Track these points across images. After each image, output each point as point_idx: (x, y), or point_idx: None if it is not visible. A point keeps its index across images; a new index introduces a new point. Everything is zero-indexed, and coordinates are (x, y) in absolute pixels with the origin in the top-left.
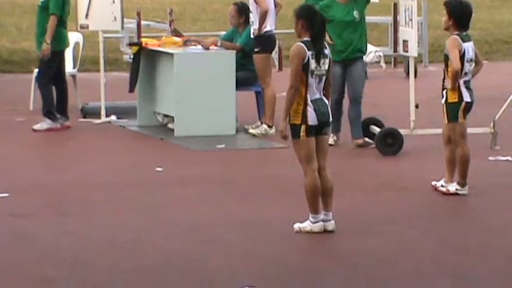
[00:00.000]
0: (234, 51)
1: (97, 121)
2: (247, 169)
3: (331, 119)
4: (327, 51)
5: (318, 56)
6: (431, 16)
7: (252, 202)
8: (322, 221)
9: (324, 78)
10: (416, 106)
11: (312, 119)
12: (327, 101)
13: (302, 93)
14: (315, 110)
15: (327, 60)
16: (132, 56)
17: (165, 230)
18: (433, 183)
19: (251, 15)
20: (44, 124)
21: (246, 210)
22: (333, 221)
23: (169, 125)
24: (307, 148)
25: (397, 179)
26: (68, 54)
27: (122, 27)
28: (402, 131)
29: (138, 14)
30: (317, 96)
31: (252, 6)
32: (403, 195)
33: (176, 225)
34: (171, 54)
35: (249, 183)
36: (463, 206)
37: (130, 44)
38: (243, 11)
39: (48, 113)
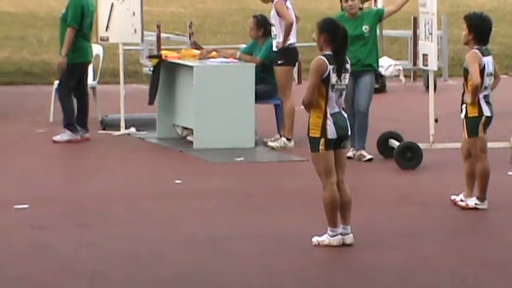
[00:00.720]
0: (254, 64)
1: (116, 133)
2: (265, 182)
3: (349, 133)
4: (348, 65)
5: (340, 70)
6: (451, 30)
7: (270, 215)
8: (341, 234)
9: (344, 92)
10: (436, 120)
11: (331, 132)
12: (346, 115)
13: (322, 106)
14: (334, 124)
15: (348, 75)
16: (151, 69)
17: (183, 242)
18: (452, 197)
19: (273, 28)
20: (64, 135)
21: (264, 223)
22: (351, 235)
23: (189, 138)
24: (326, 161)
25: (416, 193)
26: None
27: (142, 40)
28: (421, 145)
29: (158, 27)
30: (336, 110)
31: (274, 20)
32: (422, 210)
33: (194, 237)
34: (191, 67)
35: (268, 196)
36: (481, 220)
37: (150, 57)
38: (262, 24)
39: (68, 125)
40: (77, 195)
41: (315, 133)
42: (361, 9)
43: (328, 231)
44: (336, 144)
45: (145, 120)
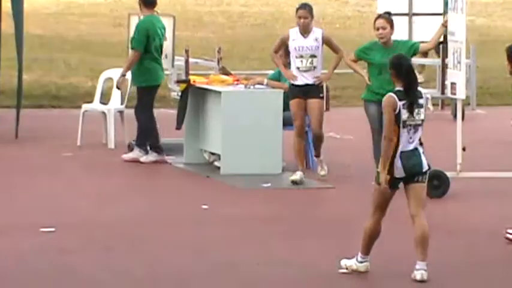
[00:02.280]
0: (282, 91)
1: (144, 158)
2: (292, 208)
3: (425, 169)
4: (421, 100)
5: (411, 105)
6: (480, 59)
7: (296, 242)
8: (415, 270)
9: (419, 128)
10: (463, 149)
11: (399, 171)
12: (421, 151)
13: (394, 143)
14: (402, 163)
15: (422, 110)
16: (179, 93)
17: (208, 268)
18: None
19: (314, 60)
20: (150, 157)
21: (289, 250)
22: (422, 271)
23: (216, 163)
24: (382, 197)
25: (443, 222)
26: (116, 90)
27: (173, 65)
28: (448, 174)
29: (187, 52)
30: (410, 147)
31: (317, 51)
32: (449, 239)
33: (220, 263)
34: (219, 92)
35: (294, 223)
36: (511, 251)
37: (179, 82)
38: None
39: (140, 145)
40: (103, 220)
41: (382, 170)
42: None
43: (358, 257)
44: (408, 179)
45: (172, 145)
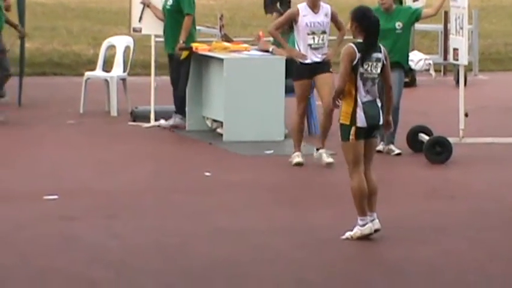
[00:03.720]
0: (284, 58)
1: (146, 125)
2: (295, 175)
3: (381, 122)
4: (380, 54)
5: (368, 58)
6: (482, 24)
7: (299, 208)
8: (372, 220)
9: (376, 81)
10: (466, 115)
11: (361, 121)
12: (379, 104)
13: (352, 94)
14: (364, 113)
15: (380, 64)
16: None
17: (212, 235)
18: None
19: (324, 36)
20: (171, 121)
21: (293, 216)
22: (377, 220)
23: (218, 130)
24: (355, 151)
25: (445, 188)
26: (119, 57)
27: None
28: (451, 140)
29: None
30: (368, 98)
31: (327, 27)
32: (451, 204)
33: (223, 230)
34: (221, 60)
35: (297, 190)
36: None
37: (181, 49)
38: None
39: (181, 111)
40: (106, 187)
41: (345, 120)
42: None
43: (359, 221)
44: (367, 134)
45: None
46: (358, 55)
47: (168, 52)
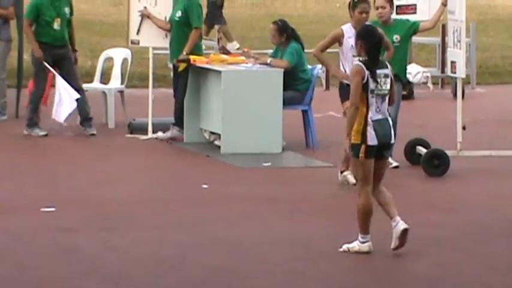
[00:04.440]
0: (282, 70)
1: (144, 137)
2: (292, 187)
3: (393, 141)
4: (387, 70)
5: (377, 75)
6: (480, 38)
7: (297, 221)
8: (393, 227)
9: (387, 98)
10: (463, 128)
11: (371, 138)
12: (391, 122)
13: (363, 112)
14: (375, 131)
15: (388, 80)
16: (175, 70)
17: (209, 246)
18: None
19: (341, 62)
20: (168, 133)
21: (290, 228)
22: (402, 221)
23: (216, 142)
24: (365, 169)
25: (443, 200)
26: (116, 69)
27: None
28: (449, 153)
29: None
30: (380, 117)
31: (345, 50)
32: (448, 217)
33: (220, 242)
34: (219, 72)
35: (294, 202)
36: (509, 228)
37: (179, 61)
38: (283, 30)
39: (178, 124)
40: (103, 199)
41: (356, 140)
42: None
43: (359, 238)
44: (378, 153)
45: None
46: (366, 72)
47: (173, 63)
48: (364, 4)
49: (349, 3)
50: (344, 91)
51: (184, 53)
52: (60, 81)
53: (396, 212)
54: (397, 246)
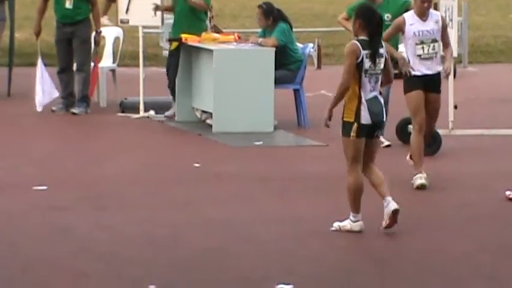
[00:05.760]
0: (274, 49)
1: (135, 116)
2: (284, 166)
3: (385, 118)
4: (382, 50)
5: (374, 55)
6: (472, 17)
7: (289, 199)
8: (385, 207)
9: (380, 77)
10: (455, 107)
11: (365, 118)
12: (382, 101)
13: (356, 91)
14: (368, 110)
15: (383, 60)
16: (168, 50)
17: (201, 225)
18: (507, 193)
19: (436, 45)
20: (171, 110)
21: (282, 207)
22: (393, 201)
23: (208, 121)
24: (356, 148)
25: (434, 179)
26: (108, 48)
27: (162, 23)
28: (440, 132)
29: None
30: (372, 95)
31: (438, 34)
32: (440, 196)
33: (212, 221)
34: (211, 51)
35: (286, 181)
36: (501, 207)
37: (170, 40)
38: (269, 12)
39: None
40: (95, 178)
41: (349, 117)
42: None
43: (351, 217)
44: (369, 133)
45: (164, 103)
46: (362, 52)
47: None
48: None
49: None
50: (407, 82)
51: None
52: (41, 70)
53: (388, 192)
54: (387, 225)
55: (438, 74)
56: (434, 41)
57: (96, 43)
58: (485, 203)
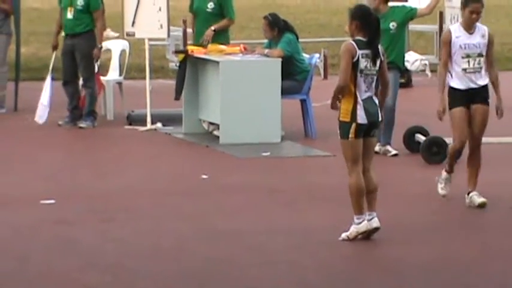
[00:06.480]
0: (280, 60)
1: (143, 128)
2: (292, 177)
3: (380, 118)
4: (380, 51)
5: (372, 56)
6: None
7: (297, 210)
8: (367, 220)
9: (374, 78)
10: None
11: (361, 117)
12: (377, 101)
13: (352, 91)
14: (364, 109)
15: (378, 60)
16: (178, 64)
17: (209, 237)
18: None
19: (482, 59)
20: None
21: (290, 218)
22: (376, 218)
23: (215, 133)
24: (355, 149)
25: None
26: (114, 61)
27: (168, 35)
28: (447, 140)
29: (184, 22)
30: (368, 95)
31: (484, 49)
32: (447, 204)
33: (220, 232)
34: (217, 62)
35: (294, 191)
36: (509, 215)
37: (177, 52)
38: (274, 24)
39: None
40: (103, 190)
41: (345, 118)
42: None
43: (355, 219)
44: (366, 132)
45: (171, 116)
46: (358, 52)
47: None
48: (476, 4)
49: (461, 1)
50: (451, 97)
51: (212, 28)
52: (46, 84)
53: (375, 205)
54: (352, 238)
55: (482, 87)
56: (480, 55)
57: (95, 58)
58: (492, 212)
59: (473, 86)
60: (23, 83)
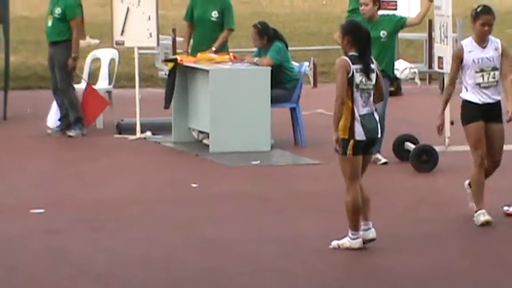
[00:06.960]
0: (269, 68)
1: (132, 137)
2: (281, 185)
3: (379, 135)
4: (373, 65)
5: (365, 70)
6: (466, 33)
7: (287, 218)
8: (363, 230)
9: (371, 92)
10: (452, 123)
11: (359, 134)
12: (377, 118)
13: (349, 108)
14: (362, 125)
15: (374, 75)
16: (167, 72)
17: (199, 245)
18: (505, 208)
19: (497, 73)
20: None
21: (280, 226)
22: (373, 229)
23: (205, 141)
24: (353, 166)
25: (432, 196)
26: (104, 70)
27: (158, 44)
28: (437, 148)
29: (174, 31)
30: (366, 111)
31: (498, 62)
32: (438, 212)
33: (210, 241)
34: (207, 71)
35: (284, 200)
36: (498, 223)
37: (166, 61)
38: (264, 32)
39: None
40: (92, 200)
41: (344, 134)
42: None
43: (350, 235)
44: (365, 148)
45: (161, 124)
46: (352, 67)
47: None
48: (488, 16)
49: (471, 14)
50: (466, 112)
51: (213, 49)
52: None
53: (369, 215)
54: (344, 248)
55: (498, 102)
56: (495, 68)
57: (69, 67)
58: None
59: (489, 101)
60: (12, 92)
